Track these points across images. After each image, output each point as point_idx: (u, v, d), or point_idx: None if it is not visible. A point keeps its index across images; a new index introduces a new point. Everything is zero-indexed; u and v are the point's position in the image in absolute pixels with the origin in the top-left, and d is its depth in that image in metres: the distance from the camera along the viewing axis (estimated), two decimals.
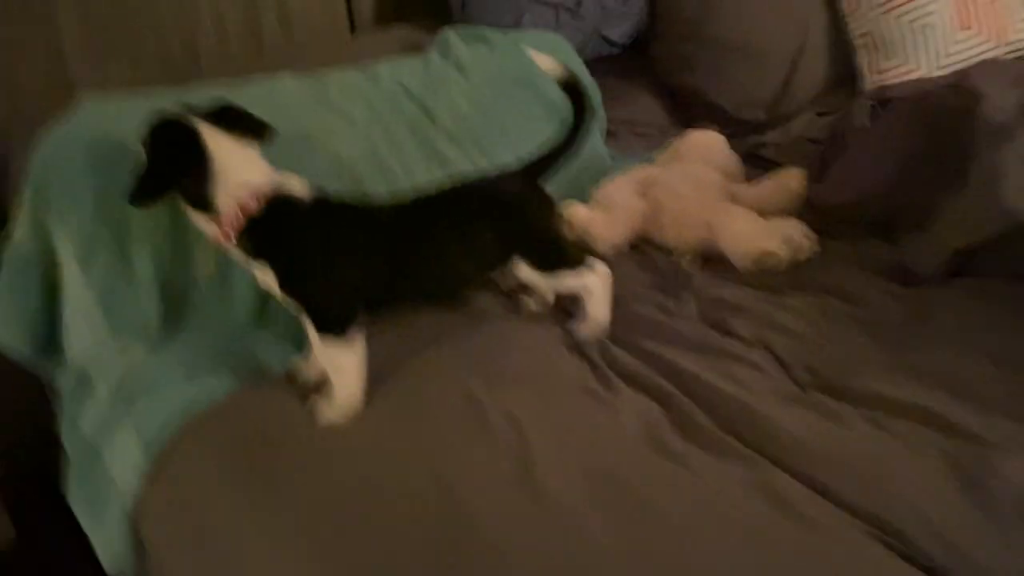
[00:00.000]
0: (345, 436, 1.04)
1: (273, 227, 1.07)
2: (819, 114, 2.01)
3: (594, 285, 1.26)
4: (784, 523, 0.87)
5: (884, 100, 1.50)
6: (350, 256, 1.11)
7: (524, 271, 1.23)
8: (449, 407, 1.07)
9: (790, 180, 1.59)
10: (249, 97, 1.42)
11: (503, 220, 1.19)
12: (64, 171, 1.22)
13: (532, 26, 1.87)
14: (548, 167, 1.24)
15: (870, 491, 0.91)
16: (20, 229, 1.23)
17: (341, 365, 1.09)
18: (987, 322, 1.19)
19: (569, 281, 1.24)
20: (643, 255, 1.53)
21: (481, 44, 1.74)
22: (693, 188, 1.56)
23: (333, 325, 1.09)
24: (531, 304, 1.38)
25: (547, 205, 1.24)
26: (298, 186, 1.11)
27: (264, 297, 1.26)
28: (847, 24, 2.00)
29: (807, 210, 1.54)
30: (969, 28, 1.91)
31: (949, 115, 1.32)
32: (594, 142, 1.79)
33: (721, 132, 1.78)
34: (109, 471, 1.14)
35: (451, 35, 1.77)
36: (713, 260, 1.50)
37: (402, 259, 1.15)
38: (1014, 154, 1.23)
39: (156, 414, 1.12)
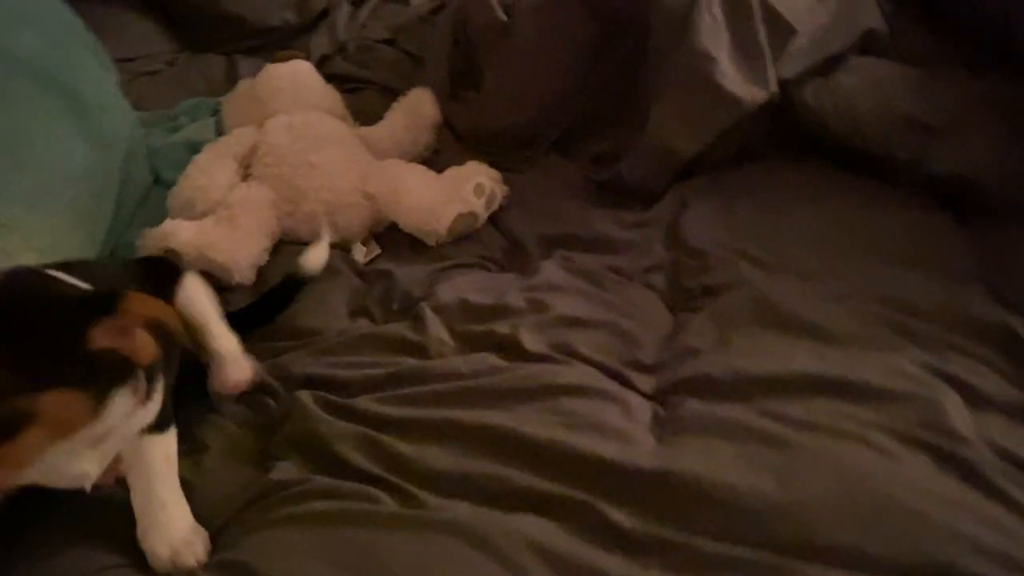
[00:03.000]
0: None
1: None
2: (353, 4, 1.61)
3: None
4: None
5: None
6: None
7: None
8: None
9: (421, 105, 1.21)
10: None
11: None
12: None
13: None
14: None
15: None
16: None
17: None
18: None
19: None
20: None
21: None
22: (321, 149, 1.08)
23: None
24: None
25: None
26: None
27: None
28: None
29: (459, 140, 1.19)
30: None
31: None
32: (120, 112, 1.14)
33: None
34: None
35: None
36: (384, 239, 1.08)
37: None
38: (715, 37, 1.04)
39: None
